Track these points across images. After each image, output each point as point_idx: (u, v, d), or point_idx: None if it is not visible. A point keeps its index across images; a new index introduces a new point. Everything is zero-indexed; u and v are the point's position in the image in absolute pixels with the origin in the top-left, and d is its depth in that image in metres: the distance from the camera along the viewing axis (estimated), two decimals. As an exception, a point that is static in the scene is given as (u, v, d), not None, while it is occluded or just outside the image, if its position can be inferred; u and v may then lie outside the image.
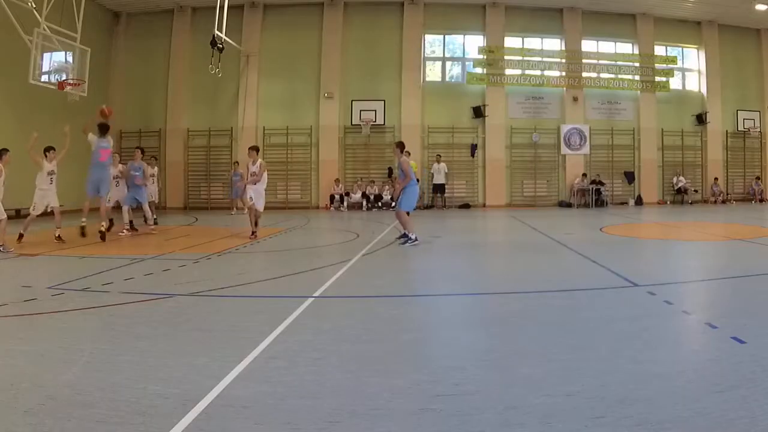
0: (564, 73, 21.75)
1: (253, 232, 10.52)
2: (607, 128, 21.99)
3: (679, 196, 21.99)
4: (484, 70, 21.43)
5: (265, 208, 11.08)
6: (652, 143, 22.09)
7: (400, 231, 9.93)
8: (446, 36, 22.27)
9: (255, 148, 10.81)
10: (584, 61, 21.87)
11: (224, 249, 9.06)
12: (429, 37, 22.09)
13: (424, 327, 4.52)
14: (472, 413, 2.64)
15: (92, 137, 10.50)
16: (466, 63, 21.92)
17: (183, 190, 21.32)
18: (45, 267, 7.51)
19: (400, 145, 9.92)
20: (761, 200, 22.16)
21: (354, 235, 11.27)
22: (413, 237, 9.31)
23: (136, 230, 11.70)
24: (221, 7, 16.50)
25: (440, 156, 19.87)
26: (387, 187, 20.43)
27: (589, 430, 2.45)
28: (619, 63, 22.26)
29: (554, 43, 22.13)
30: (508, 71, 21.63)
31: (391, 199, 20.11)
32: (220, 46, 17.03)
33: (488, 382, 3.07)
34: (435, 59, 22.31)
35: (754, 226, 12.77)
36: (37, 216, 10.03)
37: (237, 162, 19.38)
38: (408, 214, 9.70)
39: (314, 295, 5.40)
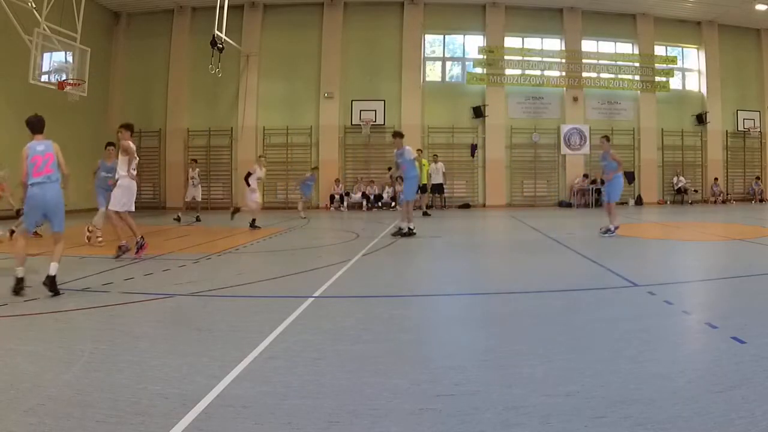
0: (564, 73, 21.77)
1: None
2: (607, 128, 21.90)
3: (679, 196, 22.01)
4: (484, 70, 21.45)
5: (266, 208, 11.24)
6: (652, 143, 22.11)
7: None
8: (446, 36, 22.29)
9: (400, 134, 10.94)
10: (584, 61, 21.90)
11: (224, 249, 9.06)
12: (429, 37, 22.11)
13: (423, 327, 4.52)
14: (472, 413, 2.64)
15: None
16: (466, 63, 21.93)
17: (183, 189, 21.30)
18: (45, 267, 7.50)
19: (608, 138, 10.90)
20: (761, 200, 22.16)
21: (354, 235, 11.26)
22: (613, 228, 10.10)
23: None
24: (221, 7, 16.52)
25: (437, 156, 19.87)
26: (387, 187, 20.42)
27: (589, 430, 2.44)
28: (619, 63, 22.29)
29: (554, 43, 22.15)
30: (508, 71, 21.65)
31: (392, 199, 20.13)
32: (220, 46, 17.04)
33: (488, 382, 3.07)
34: (435, 59, 22.32)
35: (755, 226, 12.76)
36: None
37: (317, 167, 19.11)
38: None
39: (314, 295, 5.39)
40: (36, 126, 5.80)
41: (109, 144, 10.54)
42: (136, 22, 21.71)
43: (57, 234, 5.60)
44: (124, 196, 8.15)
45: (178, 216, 15.24)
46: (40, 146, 5.64)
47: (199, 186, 16.03)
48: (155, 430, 2.47)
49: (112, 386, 2.98)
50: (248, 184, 13.08)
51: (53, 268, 5.34)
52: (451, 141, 21.38)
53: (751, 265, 7.15)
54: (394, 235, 10.48)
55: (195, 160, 17.01)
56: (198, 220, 15.16)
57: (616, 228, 10.17)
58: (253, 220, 12.49)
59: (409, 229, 10.42)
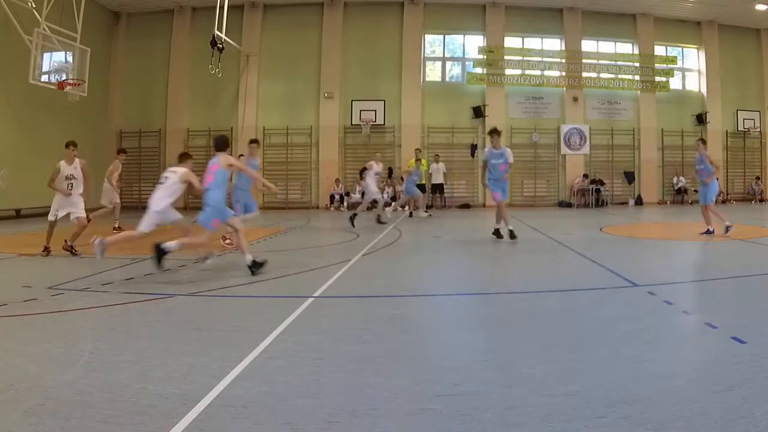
0: (564, 73, 21.76)
1: None
2: (607, 128, 21.99)
3: (679, 196, 22.00)
4: (484, 70, 21.44)
5: (266, 208, 11.26)
6: (652, 143, 22.10)
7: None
8: (446, 36, 22.28)
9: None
10: (584, 61, 21.88)
11: (224, 249, 9.05)
12: (429, 37, 22.10)
13: (423, 327, 4.52)
14: (472, 413, 2.64)
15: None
16: (466, 63, 21.93)
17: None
18: (45, 267, 7.51)
19: (704, 141, 10.64)
20: (761, 200, 22.16)
21: (354, 235, 11.26)
22: (712, 229, 10.00)
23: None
24: (221, 7, 16.51)
25: (438, 155, 19.90)
26: (386, 188, 20.41)
27: (589, 430, 2.44)
28: (619, 63, 22.28)
29: (554, 43, 22.14)
30: (508, 71, 21.65)
31: (392, 199, 20.10)
32: (220, 46, 17.03)
33: (488, 382, 3.07)
34: (435, 59, 22.32)
35: (755, 226, 12.75)
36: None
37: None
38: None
39: (314, 295, 5.39)
40: (214, 144, 6.96)
41: (253, 141, 9.88)
42: (136, 22, 21.69)
43: (196, 225, 6.78)
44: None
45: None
46: (213, 160, 6.78)
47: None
48: (155, 430, 2.47)
49: (112, 386, 2.98)
50: (361, 178, 13.42)
51: (169, 246, 6.34)
52: (451, 141, 21.37)
53: (751, 265, 7.15)
54: (512, 238, 9.62)
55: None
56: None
57: (714, 230, 10.01)
58: (378, 216, 13.13)
59: (510, 231, 9.70)
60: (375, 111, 20.94)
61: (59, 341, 3.87)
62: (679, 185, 21.98)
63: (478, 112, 21.30)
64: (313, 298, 5.24)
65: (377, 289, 6.04)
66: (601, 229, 12.36)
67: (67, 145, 8.66)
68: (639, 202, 21.76)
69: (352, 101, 21.06)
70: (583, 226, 13.40)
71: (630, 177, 21.99)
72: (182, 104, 21.23)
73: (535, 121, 21.76)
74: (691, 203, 21.59)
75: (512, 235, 9.65)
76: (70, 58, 15.18)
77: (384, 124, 21.00)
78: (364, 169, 13.80)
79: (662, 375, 3.10)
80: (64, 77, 14.90)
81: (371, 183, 13.59)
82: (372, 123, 20.85)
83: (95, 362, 3.42)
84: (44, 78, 14.66)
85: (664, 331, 4.10)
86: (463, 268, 7.66)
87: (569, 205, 21.04)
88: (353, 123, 21.04)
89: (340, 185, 20.61)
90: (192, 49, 20.69)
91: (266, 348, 3.66)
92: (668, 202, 22.18)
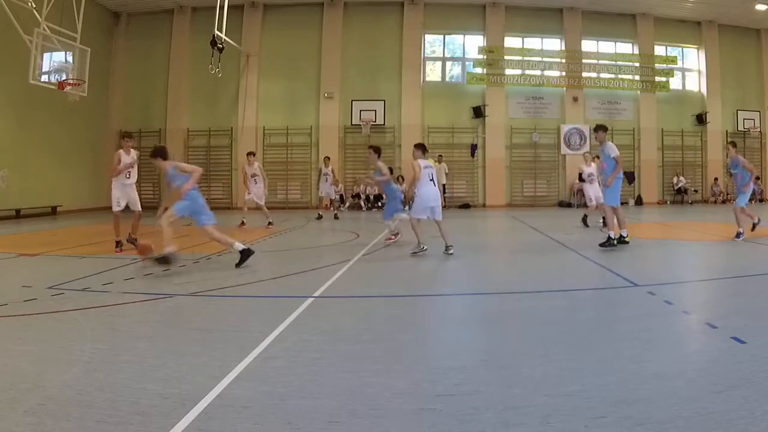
0: (564, 73, 21.78)
1: None
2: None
3: (679, 196, 22.01)
4: (484, 70, 21.45)
5: (267, 208, 11.23)
6: (652, 143, 22.11)
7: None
8: (446, 36, 22.31)
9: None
10: (584, 61, 21.91)
11: (224, 249, 9.05)
12: (429, 37, 22.12)
13: (424, 327, 4.52)
14: (472, 413, 2.64)
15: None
16: (466, 63, 21.94)
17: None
18: (45, 267, 7.51)
19: (735, 144, 10.19)
20: (761, 200, 22.15)
21: (354, 235, 11.26)
22: (742, 231, 9.41)
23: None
24: (221, 7, 16.52)
25: (441, 156, 19.90)
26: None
27: (589, 430, 2.44)
28: (619, 63, 22.30)
29: (554, 43, 22.16)
30: (508, 71, 21.66)
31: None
32: (220, 46, 17.04)
33: (488, 382, 3.07)
34: (435, 59, 22.33)
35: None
36: None
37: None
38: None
39: (314, 295, 5.39)
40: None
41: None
42: (136, 22, 21.71)
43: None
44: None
45: (336, 214, 15.85)
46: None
47: (332, 182, 16.28)
48: (155, 430, 2.47)
49: (112, 386, 2.98)
50: (581, 180, 13.84)
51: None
52: (451, 141, 21.39)
53: (751, 265, 7.15)
54: (606, 245, 8.56)
55: (328, 158, 16.92)
56: (336, 217, 15.50)
57: (743, 232, 9.41)
58: (585, 216, 13.29)
59: (621, 237, 8.77)
60: (375, 111, 20.97)
61: (59, 341, 3.87)
62: (679, 185, 21.99)
63: (478, 112, 21.31)
64: (313, 298, 5.24)
65: (377, 289, 6.04)
66: (601, 230, 12.35)
67: (123, 137, 9.25)
68: (639, 202, 21.77)
69: (352, 101, 21.07)
70: (583, 227, 13.39)
71: (630, 177, 21.98)
72: (182, 104, 21.24)
73: (535, 121, 21.78)
74: (691, 203, 21.63)
75: (616, 241, 8.62)
76: (70, 58, 15.18)
77: (384, 124, 21.02)
78: (580, 174, 13.57)
79: (662, 375, 3.10)
80: (64, 77, 14.90)
81: (588, 185, 13.18)
82: (372, 123, 20.86)
83: (95, 362, 3.42)
84: (44, 78, 14.67)
85: (664, 331, 4.09)
86: (463, 268, 7.66)
87: (569, 205, 21.04)
88: (353, 123, 21.05)
89: (340, 185, 20.60)
90: (192, 49, 20.71)
91: (266, 348, 3.66)
92: (668, 202, 22.18)
